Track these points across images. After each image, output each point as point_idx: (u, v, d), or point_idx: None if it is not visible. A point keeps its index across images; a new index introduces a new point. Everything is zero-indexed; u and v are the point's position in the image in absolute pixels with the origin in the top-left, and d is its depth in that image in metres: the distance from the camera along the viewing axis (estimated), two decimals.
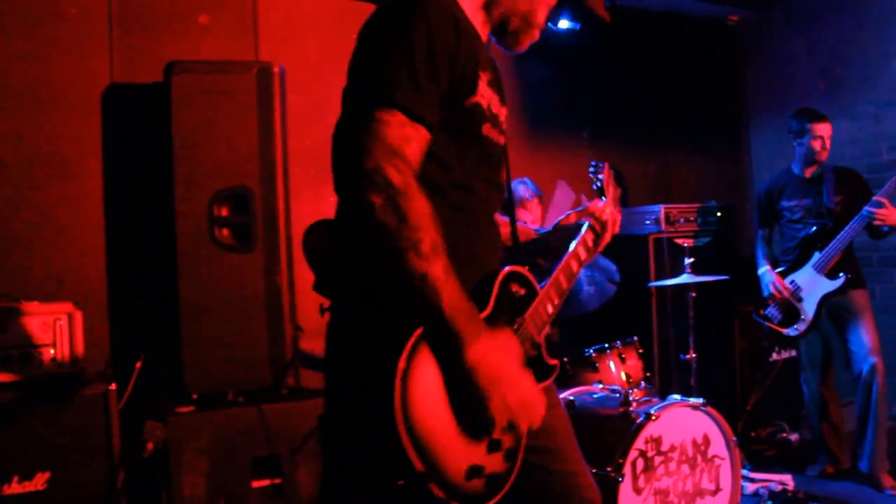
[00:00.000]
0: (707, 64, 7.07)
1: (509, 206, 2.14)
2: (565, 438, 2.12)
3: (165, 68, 3.74)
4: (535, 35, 2.06)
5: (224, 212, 3.71)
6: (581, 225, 2.33)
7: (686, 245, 4.51)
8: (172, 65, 3.73)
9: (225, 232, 3.72)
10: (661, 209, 5.46)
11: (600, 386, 3.97)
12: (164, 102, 3.72)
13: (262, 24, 4.73)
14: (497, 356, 1.68)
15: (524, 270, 1.95)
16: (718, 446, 3.73)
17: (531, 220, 4.74)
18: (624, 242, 5.57)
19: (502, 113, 1.99)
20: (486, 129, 1.89)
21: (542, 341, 1.98)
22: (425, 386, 1.64)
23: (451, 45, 1.74)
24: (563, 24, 5.82)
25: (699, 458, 3.67)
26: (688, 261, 4.39)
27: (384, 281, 1.67)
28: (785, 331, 4.85)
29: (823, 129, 4.85)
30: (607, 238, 2.39)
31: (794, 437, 5.49)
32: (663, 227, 5.43)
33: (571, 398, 3.81)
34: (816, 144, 4.84)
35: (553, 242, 2.36)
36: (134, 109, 4.26)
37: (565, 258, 2.18)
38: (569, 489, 2.08)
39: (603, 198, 2.47)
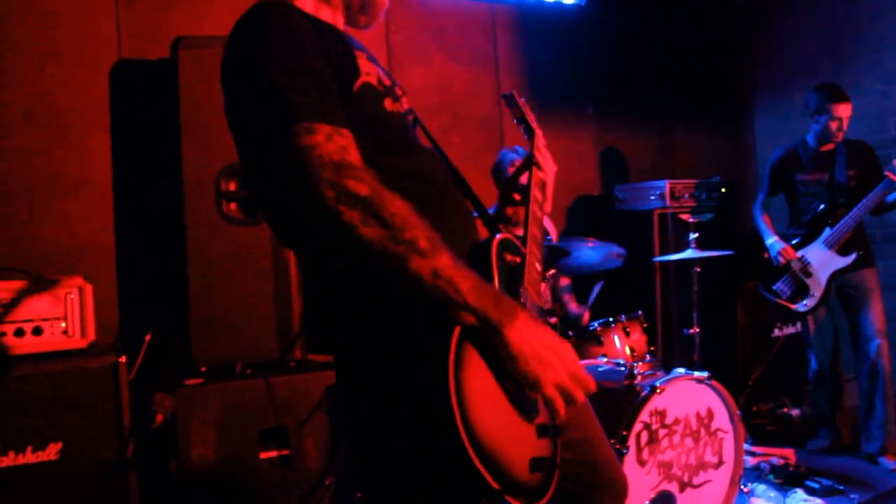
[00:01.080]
0: (713, 39, 7.05)
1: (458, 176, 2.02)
2: (590, 426, 2.10)
3: (172, 44, 3.75)
4: (384, 2, 1.98)
5: (232, 186, 3.72)
6: (525, 167, 2.22)
7: (690, 220, 4.53)
8: (179, 40, 3.72)
9: (233, 206, 3.73)
10: (666, 184, 5.47)
11: (605, 359, 4.00)
12: (172, 78, 3.72)
13: None
14: (536, 333, 1.56)
15: (511, 236, 1.86)
16: (722, 420, 3.77)
17: (523, 179, 4.76)
18: (629, 217, 5.64)
19: (395, 84, 1.90)
20: (389, 104, 1.81)
21: (542, 304, 1.89)
22: (478, 391, 1.52)
23: (315, 38, 1.67)
24: None
25: (703, 431, 3.71)
26: (692, 236, 4.40)
27: (396, 301, 1.58)
28: (794, 306, 4.85)
29: (843, 109, 4.72)
30: (551, 169, 2.27)
31: (795, 412, 5.53)
32: (668, 202, 5.44)
33: None
34: (833, 125, 4.75)
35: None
36: (142, 85, 4.27)
37: (530, 207, 2.09)
38: (599, 478, 2.08)
39: (528, 129, 2.38)
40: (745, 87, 7.28)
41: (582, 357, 4.09)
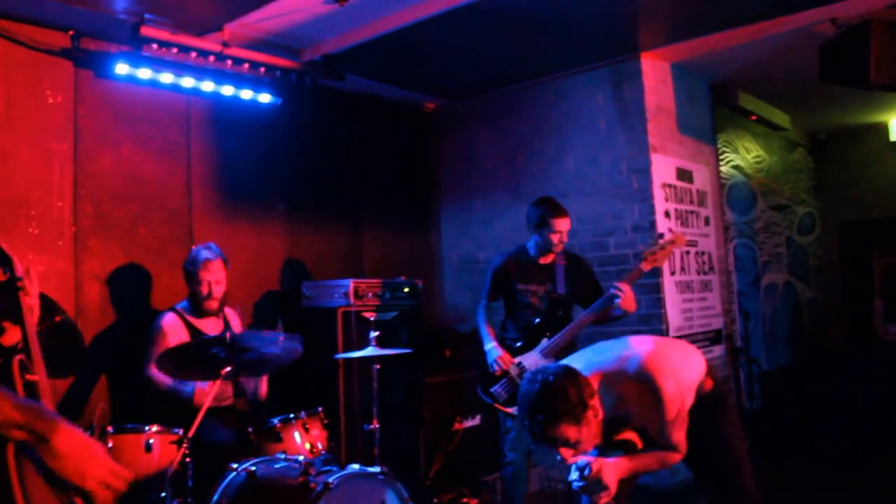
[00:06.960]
0: (404, 146, 7.48)
1: None
2: None
3: None
4: None
5: None
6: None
7: (372, 318, 4.64)
8: None
9: None
10: (350, 283, 5.61)
11: (283, 456, 3.99)
12: None
13: None
14: (76, 438, 1.80)
15: (25, 358, 2.06)
16: None
17: (214, 281, 4.73)
18: (315, 314, 5.72)
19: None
20: None
21: None
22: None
23: None
24: (265, 97, 5.92)
25: None
26: (373, 334, 4.51)
27: None
28: (510, 410, 4.92)
29: (563, 224, 4.97)
30: (35, 294, 2.38)
31: (474, 501, 5.80)
32: (352, 300, 5.59)
33: (253, 468, 3.79)
34: (555, 238, 4.97)
35: None
36: None
37: (28, 332, 2.18)
38: None
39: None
40: (433, 192, 7.71)
41: (261, 454, 4.07)
